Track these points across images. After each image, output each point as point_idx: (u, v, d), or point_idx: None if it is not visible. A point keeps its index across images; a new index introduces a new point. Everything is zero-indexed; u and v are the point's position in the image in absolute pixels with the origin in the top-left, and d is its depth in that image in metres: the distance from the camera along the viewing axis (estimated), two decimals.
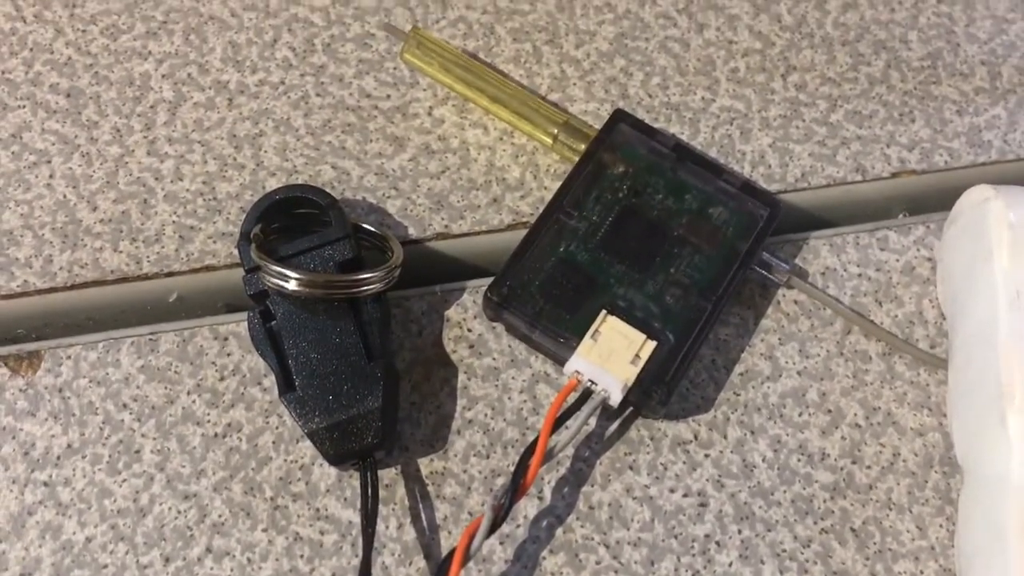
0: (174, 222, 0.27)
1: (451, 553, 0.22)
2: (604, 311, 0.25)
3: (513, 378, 0.26)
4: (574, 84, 0.30)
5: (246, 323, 0.25)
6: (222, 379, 0.25)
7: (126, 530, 0.23)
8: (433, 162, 0.28)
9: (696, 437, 0.26)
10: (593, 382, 0.24)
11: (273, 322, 0.25)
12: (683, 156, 0.27)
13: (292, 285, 0.24)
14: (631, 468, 0.25)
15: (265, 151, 0.28)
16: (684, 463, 0.25)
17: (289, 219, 0.26)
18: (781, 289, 0.27)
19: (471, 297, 0.27)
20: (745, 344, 0.27)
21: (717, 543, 0.25)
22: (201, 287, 0.26)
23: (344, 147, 0.28)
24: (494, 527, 0.23)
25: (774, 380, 0.26)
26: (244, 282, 0.25)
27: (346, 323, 0.24)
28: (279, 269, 0.24)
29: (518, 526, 0.24)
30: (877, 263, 0.28)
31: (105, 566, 0.23)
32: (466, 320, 0.26)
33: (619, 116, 0.28)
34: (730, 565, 0.24)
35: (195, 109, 0.28)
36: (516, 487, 0.23)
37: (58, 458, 0.24)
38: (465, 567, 0.22)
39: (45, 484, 0.24)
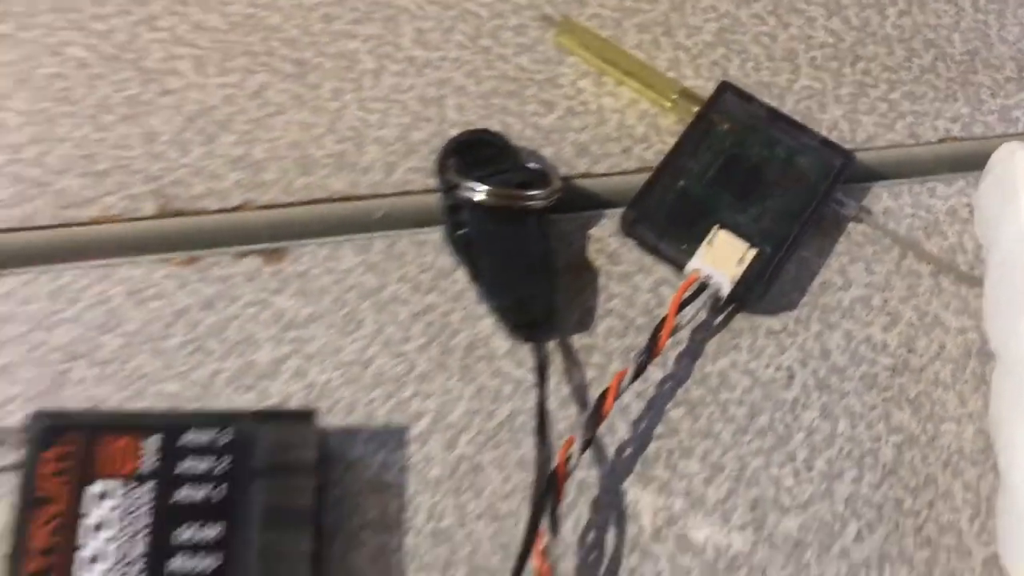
0: (381, 159, 0.35)
1: (605, 392, 0.29)
2: (716, 226, 0.32)
3: (642, 281, 0.33)
4: (685, 66, 0.38)
5: (441, 231, 0.33)
6: (421, 272, 0.33)
7: (355, 374, 0.31)
8: (576, 121, 0.36)
9: (785, 328, 0.33)
10: (709, 276, 0.32)
11: (463, 230, 0.32)
12: (775, 117, 0.35)
13: (480, 196, 0.32)
14: (734, 348, 0.32)
15: (447, 110, 0.36)
16: (775, 346, 0.32)
17: (471, 157, 0.34)
18: (851, 223, 0.35)
19: (609, 221, 0.34)
20: (823, 262, 0.34)
21: (803, 405, 0.32)
22: (401, 207, 0.34)
23: (507, 108, 0.36)
24: (637, 375, 0.30)
25: (845, 289, 0.34)
26: (441, 198, 0.33)
27: (519, 229, 0.32)
28: (471, 184, 0.32)
29: (649, 387, 0.32)
30: (927, 207, 0.35)
31: (339, 400, 0.31)
32: (604, 237, 0.34)
33: (724, 86, 0.35)
34: (812, 421, 0.31)
35: (392, 77, 0.36)
36: (651, 349, 0.31)
37: (302, 323, 0.32)
38: (611, 411, 0.30)
39: (292, 341, 0.32)
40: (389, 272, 0.33)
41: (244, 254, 0.33)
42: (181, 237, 0.33)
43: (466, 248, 0.32)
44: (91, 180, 0.34)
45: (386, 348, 0.32)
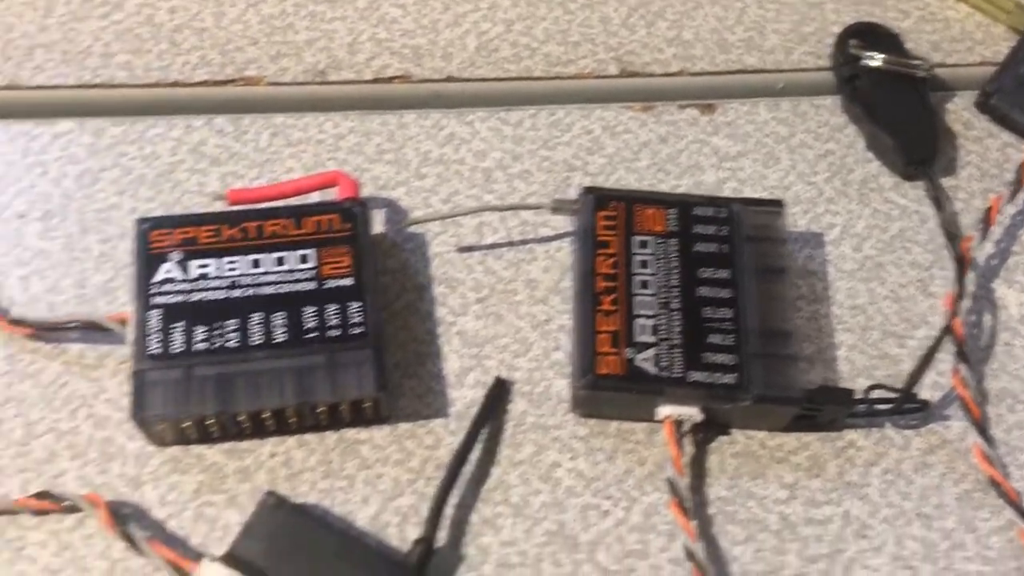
0: (780, 45, 0.43)
1: (989, 208, 0.37)
2: None
3: (991, 143, 0.40)
4: None
5: (830, 100, 0.41)
6: (819, 127, 0.41)
7: (778, 194, 0.39)
8: (927, 26, 0.43)
9: None
10: None
11: (857, 93, 0.40)
12: None
13: (877, 63, 0.39)
14: None
15: (827, 12, 0.43)
16: None
17: (863, 40, 0.41)
18: None
19: (960, 100, 0.41)
20: None
21: None
22: (797, 80, 0.42)
23: (872, 13, 0.43)
24: (1011, 198, 0.37)
25: None
26: (839, 71, 0.40)
27: (905, 90, 0.40)
28: (870, 54, 0.39)
29: (1005, 218, 0.39)
30: None
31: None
32: (957, 111, 0.41)
33: None
34: None
35: None
36: (1018, 180, 0.37)
37: (733, 157, 0.40)
38: (994, 221, 0.37)
39: (728, 169, 0.39)
40: (795, 125, 0.41)
41: (684, 106, 0.41)
42: (637, 92, 0.41)
43: (863, 106, 0.40)
44: (567, 48, 0.42)
45: (799, 178, 0.39)
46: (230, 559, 0.29)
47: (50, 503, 0.31)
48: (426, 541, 0.31)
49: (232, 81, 0.40)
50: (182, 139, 0.39)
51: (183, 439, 0.32)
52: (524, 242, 0.38)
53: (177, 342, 0.31)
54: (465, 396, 0.34)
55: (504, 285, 0.37)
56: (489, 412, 0.34)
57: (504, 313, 0.36)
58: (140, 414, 0.31)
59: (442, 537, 0.32)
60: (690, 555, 0.31)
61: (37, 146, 0.38)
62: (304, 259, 0.33)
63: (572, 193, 0.38)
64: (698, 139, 0.40)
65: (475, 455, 0.33)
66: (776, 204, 0.36)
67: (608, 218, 0.35)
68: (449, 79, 0.41)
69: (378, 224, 0.37)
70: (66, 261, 0.36)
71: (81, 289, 0.35)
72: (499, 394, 0.34)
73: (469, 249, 0.37)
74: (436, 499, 0.31)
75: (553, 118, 0.40)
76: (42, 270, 0.36)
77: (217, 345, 0.32)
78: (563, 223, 0.38)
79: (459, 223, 0.38)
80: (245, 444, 0.33)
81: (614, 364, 0.32)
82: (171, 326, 0.32)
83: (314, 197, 0.36)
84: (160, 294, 0.32)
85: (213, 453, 0.33)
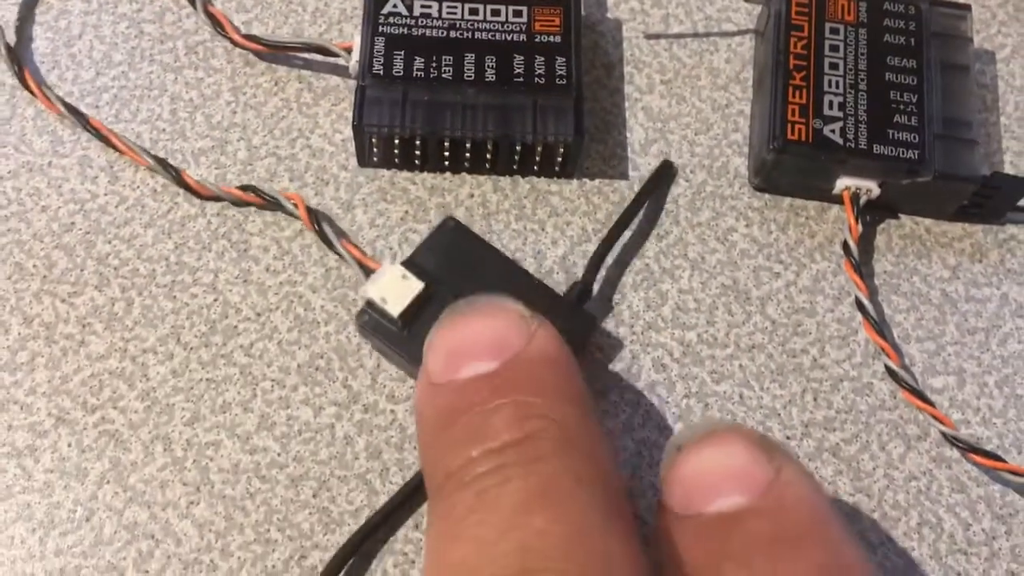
0: None
1: None
2: None
3: None
4: None
5: None
6: None
7: None
8: None
9: None
10: None
11: None
12: None
13: None
14: None
15: None
16: None
17: None
18: None
19: None
20: None
21: None
22: None
23: None
24: None
25: None
26: None
27: None
28: None
29: None
30: None
31: None
32: None
33: None
34: None
35: None
36: None
37: None
38: None
39: None
40: None
41: None
42: None
43: None
44: None
45: (974, 1, 0.40)
46: (409, 264, 0.32)
47: (254, 196, 0.34)
48: (583, 283, 0.32)
49: None
50: None
51: (389, 159, 0.35)
52: (708, 34, 0.39)
53: (398, 66, 0.34)
54: (649, 163, 0.36)
55: (688, 71, 0.38)
56: (653, 187, 0.35)
57: (687, 95, 0.38)
58: (359, 123, 0.33)
59: (628, 281, 0.34)
60: (861, 308, 0.33)
61: None
62: (517, 14, 0.35)
63: None
64: None
65: (659, 216, 0.35)
66: (963, 8, 0.37)
67: (801, 5, 0.36)
68: None
69: None
70: (284, 11, 0.38)
71: (297, 39, 0.38)
72: (664, 175, 0.36)
73: (656, 37, 0.39)
74: (598, 249, 0.33)
75: None
76: (262, 18, 0.38)
77: (433, 75, 0.34)
78: (745, 20, 0.39)
79: (647, 13, 0.39)
80: (445, 184, 0.35)
81: (802, 132, 0.34)
82: (394, 53, 0.34)
83: None
84: (386, 24, 0.34)
85: (417, 188, 0.35)
